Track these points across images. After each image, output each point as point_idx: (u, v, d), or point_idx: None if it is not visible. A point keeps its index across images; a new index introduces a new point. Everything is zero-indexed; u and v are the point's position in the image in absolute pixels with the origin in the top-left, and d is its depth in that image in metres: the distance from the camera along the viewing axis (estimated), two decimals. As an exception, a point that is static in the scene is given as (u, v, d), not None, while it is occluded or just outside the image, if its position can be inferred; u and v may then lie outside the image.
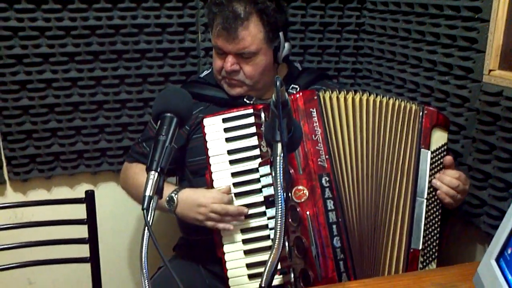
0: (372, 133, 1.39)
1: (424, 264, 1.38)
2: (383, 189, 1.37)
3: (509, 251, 0.96)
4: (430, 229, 1.40)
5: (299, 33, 1.97)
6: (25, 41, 1.72)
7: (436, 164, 1.43)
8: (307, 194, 1.30)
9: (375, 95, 1.42)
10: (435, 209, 1.42)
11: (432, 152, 1.42)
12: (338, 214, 1.30)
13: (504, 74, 1.40)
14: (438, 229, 1.42)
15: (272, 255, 0.93)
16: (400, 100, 1.43)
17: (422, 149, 1.41)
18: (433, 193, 1.41)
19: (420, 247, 1.37)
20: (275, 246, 0.92)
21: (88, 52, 1.79)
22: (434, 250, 1.40)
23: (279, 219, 0.92)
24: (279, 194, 0.93)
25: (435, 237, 1.41)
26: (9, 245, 1.56)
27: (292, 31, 1.96)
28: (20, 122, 1.79)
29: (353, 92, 1.41)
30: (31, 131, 1.81)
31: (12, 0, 1.68)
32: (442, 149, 1.45)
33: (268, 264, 0.93)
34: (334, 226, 1.29)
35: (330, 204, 1.30)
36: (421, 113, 1.43)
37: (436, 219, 1.42)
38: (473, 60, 1.47)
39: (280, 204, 0.92)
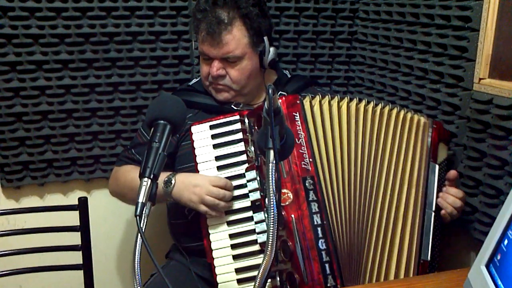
0: (370, 140, 1.41)
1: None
2: (383, 196, 1.39)
3: (498, 257, 0.97)
4: (435, 240, 1.42)
5: (292, 41, 1.99)
6: (19, 49, 1.72)
7: (440, 177, 1.46)
8: (291, 197, 1.31)
9: (377, 103, 1.45)
10: (438, 221, 1.44)
11: (439, 165, 1.46)
12: (323, 216, 1.31)
13: (494, 82, 1.42)
14: (440, 240, 1.44)
15: (265, 261, 0.93)
16: (406, 111, 1.46)
17: (431, 163, 1.44)
18: (438, 208, 1.44)
19: (429, 259, 1.39)
20: (268, 252, 0.92)
21: (82, 59, 1.80)
22: (437, 261, 1.43)
23: (272, 225, 0.92)
24: (272, 200, 0.94)
25: (437, 248, 1.44)
26: (1, 252, 1.56)
27: (285, 39, 1.98)
28: (13, 129, 1.78)
29: (348, 99, 1.43)
30: (24, 138, 1.81)
31: (6, 8, 1.68)
32: (444, 163, 1.48)
33: (261, 270, 0.94)
34: (319, 229, 1.30)
35: (314, 207, 1.31)
36: (430, 127, 1.46)
37: (439, 231, 1.44)
38: (463, 69, 1.49)
39: (272, 210, 0.93)
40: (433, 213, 1.42)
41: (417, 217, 1.40)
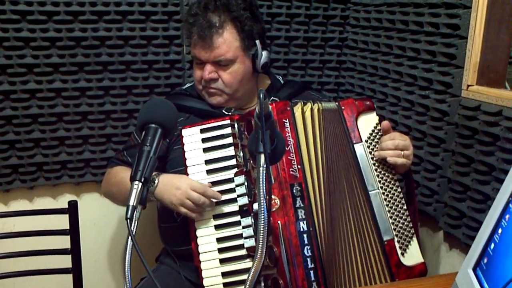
0: (331, 141, 1.43)
1: (404, 248, 1.39)
2: (347, 195, 1.40)
3: (485, 261, 0.98)
4: (396, 213, 1.41)
5: (283, 47, 2.00)
6: (10, 51, 1.72)
7: (376, 148, 1.44)
8: (278, 203, 1.32)
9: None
10: (393, 192, 1.43)
11: (366, 141, 1.44)
12: (309, 223, 1.32)
13: (481, 89, 1.44)
14: (405, 208, 1.42)
15: (255, 265, 0.94)
16: (326, 103, 1.47)
17: (355, 145, 1.43)
18: (385, 180, 1.43)
19: (392, 236, 1.39)
20: (258, 256, 0.92)
21: (73, 63, 1.79)
22: (409, 229, 1.41)
23: (262, 229, 0.92)
24: (262, 204, 0.94)
25: (404, 217, 1.41)
26: (-10, 256, 1.55)
27: (276, 45, 1.99)
28: (2, 132, 1.77)
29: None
30: (14, 141, 1.80)
31: (-3, 11, 1.68)
32: (376, 130, 1.46)
33: (251, 274, 0.94)
34: (305, 236, 1.31)
35: (301, 214, 1.32)
36: (339, 111, 1.46)
37: (399, 201, 1.42)
38: (452, 76, 1.51)
39: (263, 214, 0.93)
40: (378, 191, 1.41)
41: (364, 202, 1.40)
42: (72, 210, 1.60)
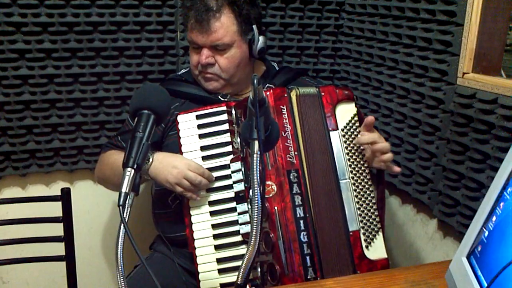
0: (312, 127, 1.42)
1: (368, 241, 1.38)
2: (325, 182, 1.39)
3: (479, 249, 0.98)
4: (364, 205, 1.40)
5: (278, 34, 1.99)
6: (1, 37, 1.69)
7: (351, 139, 1.43)
8: (275, 189, 1.32)
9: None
10: (363, 184, 1.42)
11: (342, 130, 1.43)
12: (305, 209, 1.33)
13: (477, 77, 1.43)
14: (374, 202, 1.41)
15: (249, 252, 0.93)
16: (306, 88, 1.46)
17: (331, 132, 1.42)
18: (356, 171, 1.42)
19: (358, 228, 1.37)
20: (252, 243, 0.92)
21: (66, 49, 1.77)
22: (375, 223, 1.40)
23: (256, 216, 0.92)
24: (256, 191, 0.94)
25: (372, 210, 1.40)
26: (-18, 243, 1.54)
27: (271, 32, 1.97)
28: (-6, 119, 1.76)
29: None
30: (6, 128, 1.78)
31: (-13, -5, 1.66)
32: (353, 121, 1.45)
33: (245, 260, 0.94)
34: (302, 221, 1.32)
35: (298, 200, 1.33)
36: (318, 97, 1.44)
37: (368, 193, 1.41)
38: (447, 63, 1.50)
39: (256, 201, 0.93)
40: (348, 181, 1.40)
41: (335, 191, 1.39)
42: (65, 197, 1.59)
